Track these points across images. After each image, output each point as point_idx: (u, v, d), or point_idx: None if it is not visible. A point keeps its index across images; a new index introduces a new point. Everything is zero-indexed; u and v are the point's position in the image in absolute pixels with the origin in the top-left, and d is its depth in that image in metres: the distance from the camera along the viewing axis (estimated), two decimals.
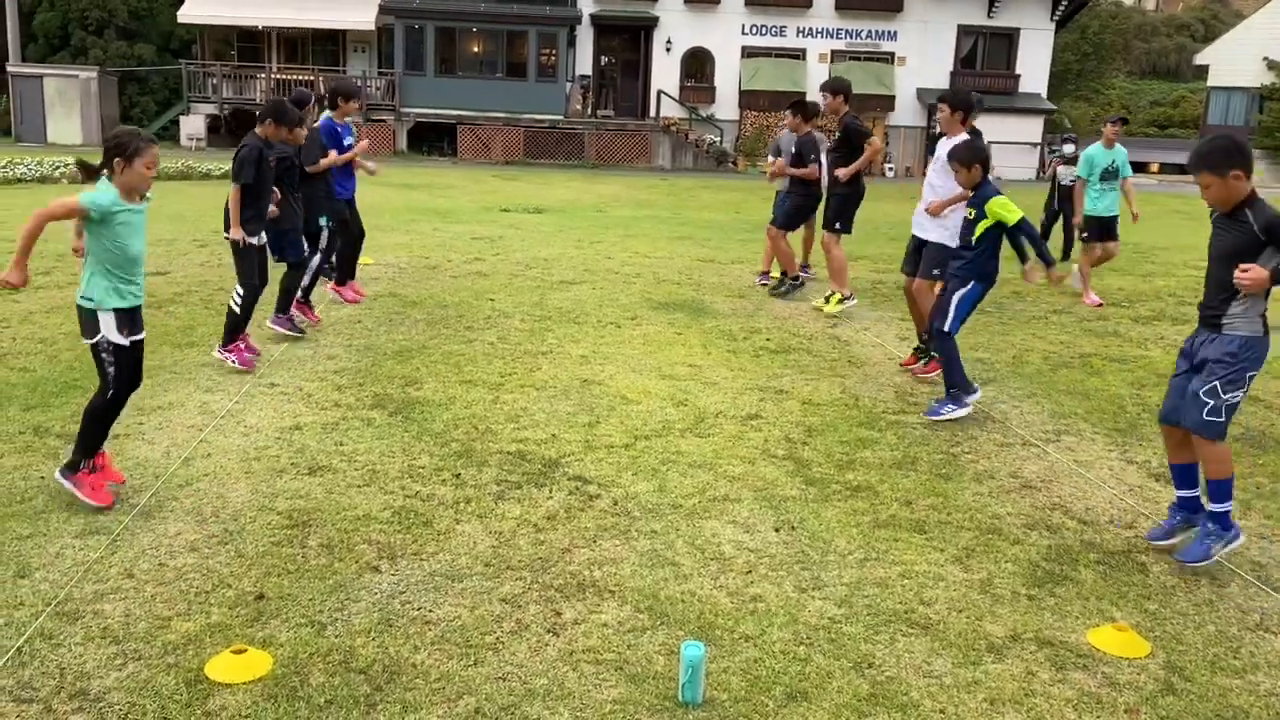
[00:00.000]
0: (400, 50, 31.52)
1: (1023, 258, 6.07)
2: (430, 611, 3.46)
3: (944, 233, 6.80)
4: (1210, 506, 4.09)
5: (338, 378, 6.31)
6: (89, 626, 3.26)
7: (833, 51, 34.71)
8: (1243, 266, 3.84)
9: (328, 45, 34.09)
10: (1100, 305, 10.06)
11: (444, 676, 3.07)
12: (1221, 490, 4.04)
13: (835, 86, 8.89)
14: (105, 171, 4.14)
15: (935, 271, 6.78)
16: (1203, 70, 43.12)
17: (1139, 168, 42.39)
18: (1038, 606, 3.69)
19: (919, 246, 7.14)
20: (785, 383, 6.64)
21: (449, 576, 3.72)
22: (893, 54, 34.92)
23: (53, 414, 5.34)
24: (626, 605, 3.56)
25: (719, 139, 33.24)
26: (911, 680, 3.16)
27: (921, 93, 34.35)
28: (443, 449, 5.08)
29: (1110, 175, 10.21)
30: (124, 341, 4.23)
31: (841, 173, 8.71)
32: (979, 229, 5.88)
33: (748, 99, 33.79)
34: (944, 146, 6.73)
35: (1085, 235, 10.45)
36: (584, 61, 34.36)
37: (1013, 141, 33.69)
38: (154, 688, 2.94)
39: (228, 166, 9.30)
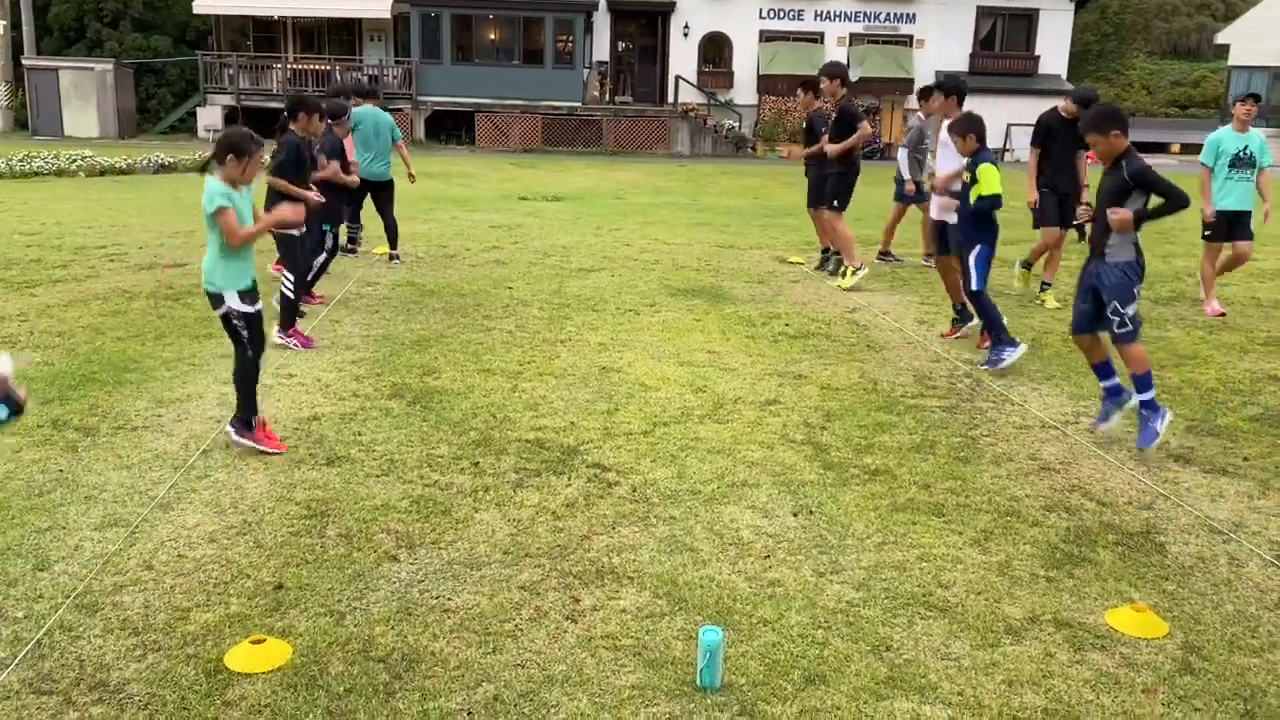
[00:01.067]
0: (417, 38, 31.52)
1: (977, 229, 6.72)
2: (449, 600, 3.48)
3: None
4: (1139, 397, 5.14)
5: (355, 368, 6.34)
6: (108, 618, 3.30)
7: (851, 35, 34.46)
8: (1112, 210, 5.00)
9: (344, 35, 34.13)
10: (1223, 315, 8.55)
11: (463, 664, 3.09)
12: (1144, 382, 5.14)
13: (832, 71, 9.45)
14: (214, 163, 4.67)
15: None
16: (1223, 50, 42.52)
17: (1159, 149, 42.00)
18: (1056, 588, 3.67)
19: (942, 228, 7.49)
20: (804, 368, 6.63)
21: (468, 565, 3.74)
22: (911, 36, 34.63)
23: (71, 407, 5.39)
24: (645, 591, 3.57)
25: (738, 124, 33.09)
26: (930, 663, 3.16)
27: (940, 74, 34.10)
28: (461, 438, 5.10)
29: (1242, 164, 8.60)
30: (251, 310, 4.84)
31: (829, 148, 9.34)
32: (974, 193, 6.50)
33: (766, 84, 33.60)
34: (944, 129, 7.31)
35: (1209, 234, 8.78)
36: (601, 48, 34.26)
37: (1031, 123, 33.31)
38: (173, 678, 2.97)
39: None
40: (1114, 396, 5.30)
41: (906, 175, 10.81)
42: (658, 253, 11.50)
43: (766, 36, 34.24)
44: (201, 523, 4.03)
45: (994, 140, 33.54)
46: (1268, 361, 7.10)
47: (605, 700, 2.93)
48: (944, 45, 34.44)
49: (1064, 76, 35.47)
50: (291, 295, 6.87)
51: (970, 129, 6.50)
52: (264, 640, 3.11)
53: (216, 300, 4.80)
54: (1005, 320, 6.74)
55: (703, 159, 30.49)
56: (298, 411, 5.46)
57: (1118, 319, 5.09)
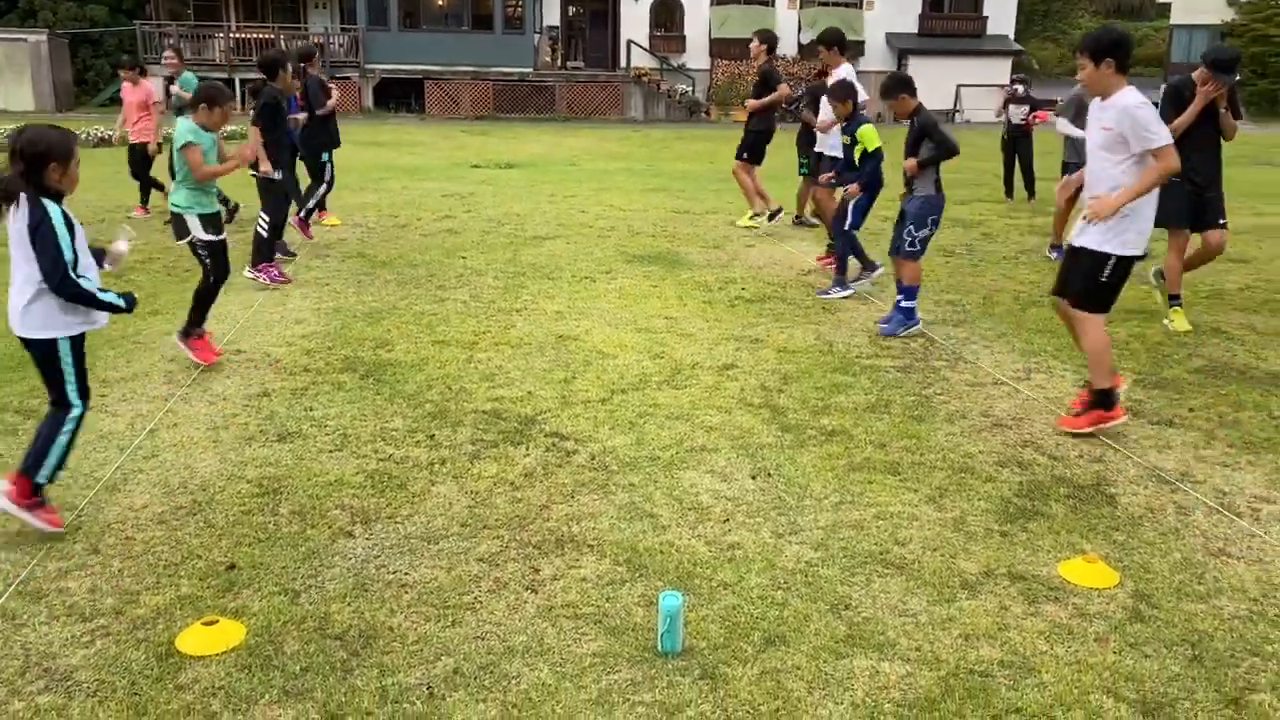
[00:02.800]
0: (363, 5, 30.92)
1: (858, 176, 7.52)
2: (406, 574, 3.44)
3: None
4: (903, 302, 6.65)
5: (306, 342, 6.25)
6: (53, 605, 3.23)
7: None
8: (906, 159, 6.49)
9: (287, 2, 33.39)
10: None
11: (421, 639, 3.07)
12: (911, 293, 6.64)
13: (762, 37, 10.31)
14: (189, 110, 5.77)
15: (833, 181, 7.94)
16: (1165, 8, 42.94)
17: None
18: (1010, 542, 3.72)
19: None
20: (760, 331, 6.63)
21: (425, 538, 3.70)
22: None
23: (10, 389, 5.25)
24: (605, 559, 3.56)
25: (691, 88, 32.94)
26: (888, 620, 3.19)
27: (890, 37, 34.10)
28: (416, 410, 5.05)
29: None
30: (214, 239, 5.70)
31: (750, 104, 10.39)
32: (857, 152, 7.49)
33: (718, 47, 33.44)
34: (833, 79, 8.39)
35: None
36: (552, 12, 33.87)
37: (980, 84, 33.54)
38: (123, 663, 2.92)
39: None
40: (909, 315, 6.68)
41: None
42: (613, 219, 11.43)
43: (717, 0, 34.03)
44: (150, 504, 3.96)
45: (944, 101, 33.76)
46: (1210, 314, 7.22)
47: (566, 669, 2.92)
48: (893, 7, 34.46)
49: (1012, 37, 35.66)
50: (265, 235, 7.79)
51: (847, 95, 7.44)
52: (216, 621, 3.06)
53: (180, 226, 5.71)
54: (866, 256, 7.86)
55: (656, 124, 30.32)
56: (247, 388, 5.37)
57: (909, 239, 6.54)
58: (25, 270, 3.54)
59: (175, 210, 5.70)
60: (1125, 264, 4.66)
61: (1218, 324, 6.94)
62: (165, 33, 31.00)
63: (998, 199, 13.54)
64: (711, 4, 33.99)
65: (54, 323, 3.61)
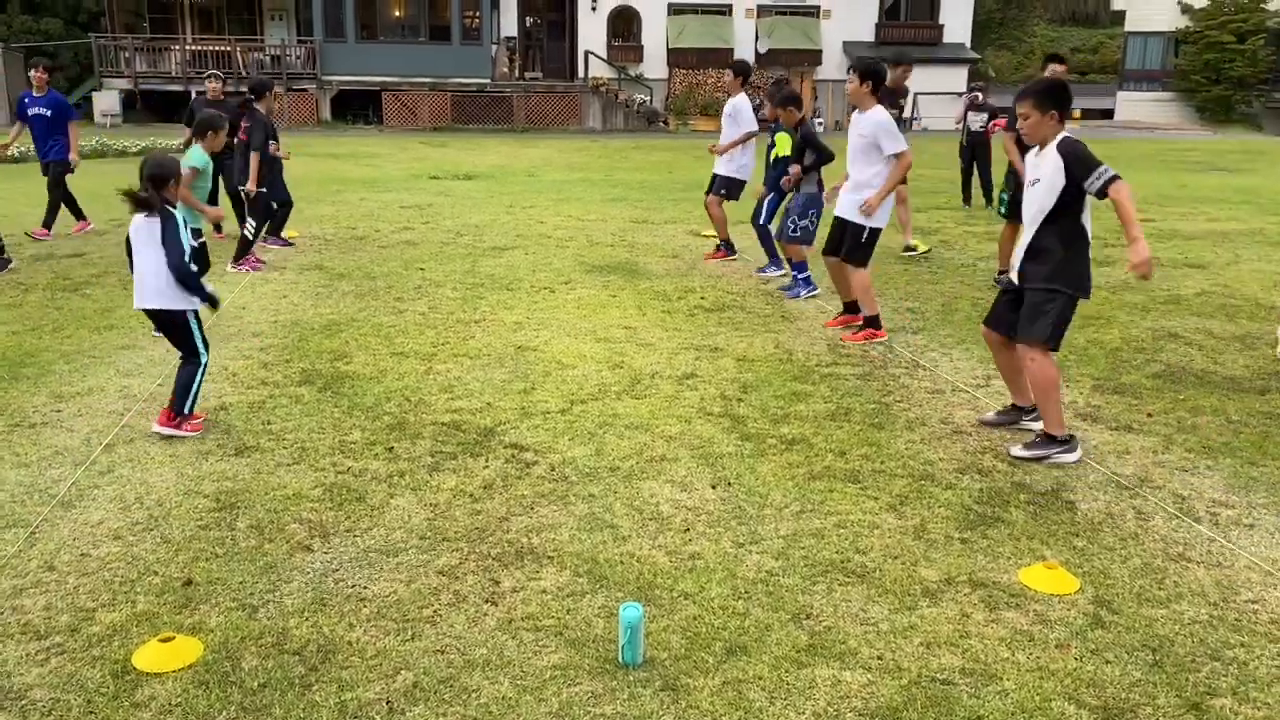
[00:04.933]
0: (319, 16, 30.71)
1: (775, 174, 8.54)
2: (365, 588, 3.40)
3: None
4: (798, 275, 8.13)
5: (264, 355, 6.17)
6: (7, 623, 3.15)
7: (759, 6, 34.60)
8: (792, 164, 7.92)
9: (244, 14, 33.10)
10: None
11: (380, 653, 3.03)
12: (801, 267, 8.13)
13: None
14: (196, 139, 7.10)
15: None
16: (1120, 16, 43.74)
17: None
18: (970, 549, 3.74)
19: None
20: (720, 340, 6.64)
21: (384, 552, 3.66)
22: (818, 8, 34.92)
23: None
24: (565, 570, 3.54)
25: (649, 98, 33.03)
26: (849, 629, 3.19)
27: (848, 46, 34.42)
28: (374, 423, 5.00)
29: None
30: (194, 243, 5.62)
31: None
32: (774, 154, 8.63)
33: (676, 57, 33.59)
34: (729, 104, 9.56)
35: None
36: (509, 23, 33.85)
37: (937, 92, 33.95)
38: (79, 681, 2.85)
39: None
40: (806, 282, 8.16)
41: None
42: (572, 229, 11.42)
43: (675, 10, 34.19)
44: (105, 520, 3.88)
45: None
46: (1168, 320, 7.34)
47: (527, 682, 2.90)
48: (850, 16, 34.81)
49: (968, 45, 36.15)
50: (250, 237, 8.89)
51: (790, 103, 8.34)
52: (173, 638, 3.00)
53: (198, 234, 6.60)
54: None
55: (615, 134, 30.37)
56: (204, 401, 5.27)
57: (792, 227, 7.92)
58: (156, 261, 4.66)
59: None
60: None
61: (1175, 329, 7.05)
62: (120, 46, 30.58)
63: (955, 206, 13.70)
64: (669, 14, 34.14)
65: (180, 299, 4.78)
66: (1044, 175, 4.57)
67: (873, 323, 6.76)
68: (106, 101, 29.63)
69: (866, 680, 2.92)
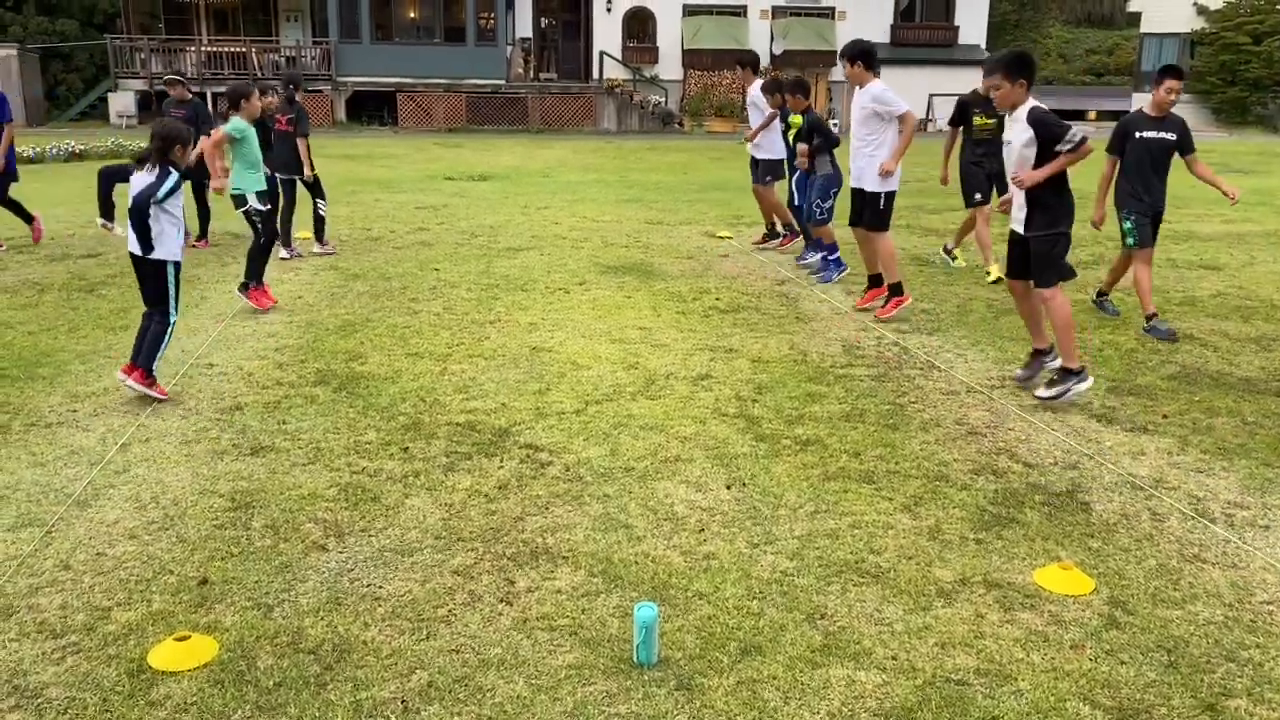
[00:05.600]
0: (335, 17, 30.85)
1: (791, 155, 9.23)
2: (380, 587, 3.42)
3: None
4: (828, 257, 8.71)
5: (279, 355, 6.20)
6: (24, 622, 3.17)
7: (774, 8, 34.57)
8: (800, 148, 8.56)
9: (259, 15, 33.28)
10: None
11: (395, 652, 3.04)
12: (831, 249, 8.71)
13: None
14: (231, 110, 7.24)
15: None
16: (1135, 17, 43.51)
17: (1077, 115, 42.83)
18: (985, 550, 3.73)
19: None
20: (735, 341, 6.64)
21: (399, 551, 3.68)
22: (833, 9, 34.86)
23: None
24: (580, 570, 3.55)
25: (664, 99, 33.04)
26: (863, 629, 3.19)
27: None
28: (389, 423, 5.01)
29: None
30: (265, 208, 7.23)
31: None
32: (790, 135, 9.17)
33: (691, 58, 33.58)
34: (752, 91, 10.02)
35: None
36: (524, 24, 33.91)
37: (952, 93, 33.79)
38: (94, 680, 2.87)
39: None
40: (836, 264, 8.70)
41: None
42: (586, 230, 11.43)
43: (690, 11, 34.18)
44: (121, 519, 3.91)
45: (916, 111, 34.01)
46: (1183, 321, 7.29)
47: (542, 681, 2.90)
48: (865, 17, 34.71)
49: (983, 46, 36.02)
50: (324, 214, 9.89)
51: (799, 89, 8.86)
52: (189, 637, 3.02)
53: (240, 201, 7.19)
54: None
55: (630, 135, 30.38)
56: (220, 401, 5.32)
57: (817, 209, 8.46)
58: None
59: (236, 191, 7.17)
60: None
61: (1191, 330, 7.01)
62: (136, 47, 30.77)
63: None
64: (684, 15, 34.14)
65: (161, 250, 5.23)
66: (1015, 139, 5.28)
67: (896, 290, 7.28)
68: (122, 102, 29.82)
69: (881, 680, 2.91)
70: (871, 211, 7.31)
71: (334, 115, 31.02)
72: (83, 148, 20.02)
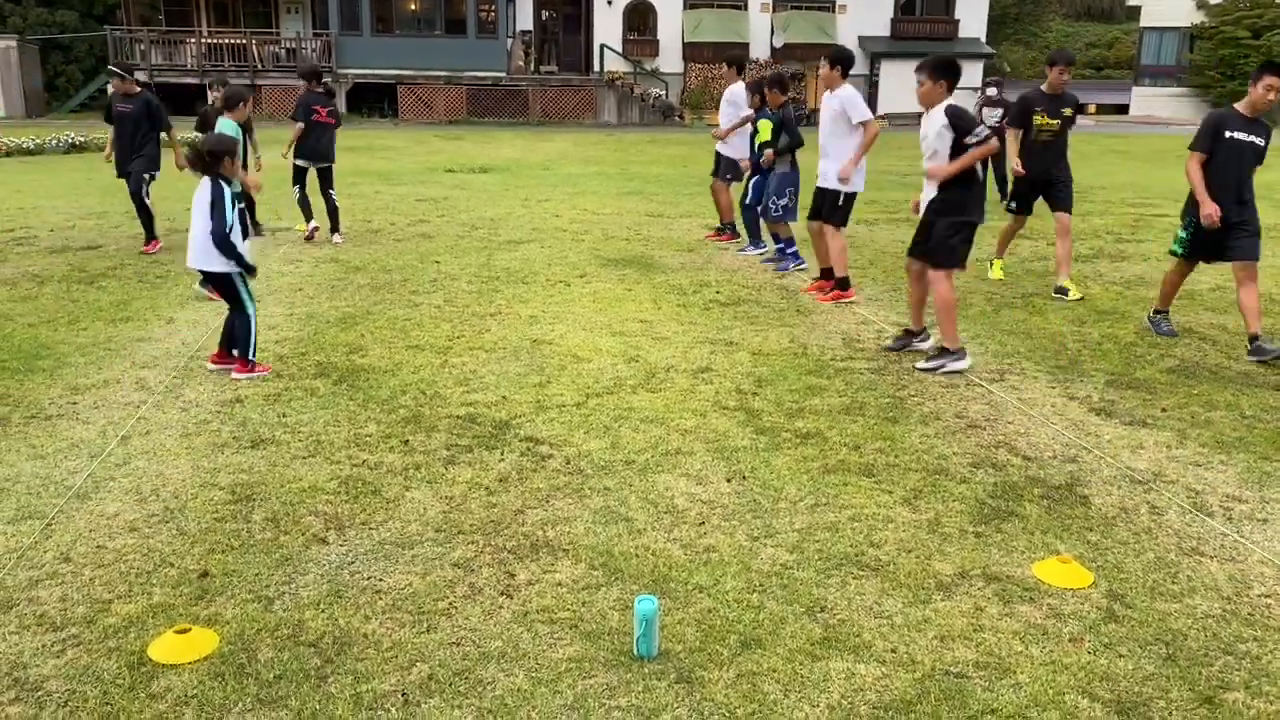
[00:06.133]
0: (335, 10, 30.79)
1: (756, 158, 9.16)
2: (380, 580, 3.42)
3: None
4: (785, 250, 8.96)
5: (279, 348, 6.20)
6: (24, 614, 3.18)
7: (774, 1, 34.49)
8: (765, 151, 8.64)
9: (259, 7, 33.23)
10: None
11: (396, 645, 3.04)
12: (790, 243, 8.90)
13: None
14: (226, 111, 8.09)
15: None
16: (1135, 11, 43.44)
17: (1076, 109, 42.66)
18: (984, 543, 3.74)
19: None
20: (735, 334, 6.64)
21: (399, 544, 3.68)
22: (834, 2, 34.81)
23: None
24: (580, 563, 3.55)
25: (664, 92, 32.99)
26: (863, 622, 3.19)
27: (864, 40, 34.31)
28: (390, 416, 5.02)
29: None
30: (240, 205, 6.66)
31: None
32: (757, 140, 9.09)
33: (691, 51, 33.55)
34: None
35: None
36: (524, 16, 33.86)
37: None
38: (95, 673, 2.88)
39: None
40: (787, 251, 8.97)
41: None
42: (587, 223, 11.43)
43: (690, 4, 34.14)
44: (121, 512, 3.91)
45: (916, 105, 33.94)
46: (1182, 314, 7.29)
47: (542, 674, 2.91)
48: (866, 11, 34.68)
49: (984, 40, 35.97)
50: (337, 203, 10.16)
51: (776, 85, 8.90)
52: (189, 629, 3.03)
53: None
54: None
55: (630, 128, 30.35)
56: (220, 394, 5.32)
57: (774, 206, 8.59)
58: (203, 226, 5.39)
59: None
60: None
61: (1190, 324, 7.01)
62: (136, 38, 30.72)
63: None
64: (685, 8, 34.07)
65: (221, 263, 5.49)
66: (930, 131, 5.83)
67: (842, 284, 7.69)
68: None
69: (880, 673, 2.92)
70: (831, 207, 7.49)
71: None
72: (82, 139, 20.00)
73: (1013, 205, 8.23)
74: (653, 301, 7.56)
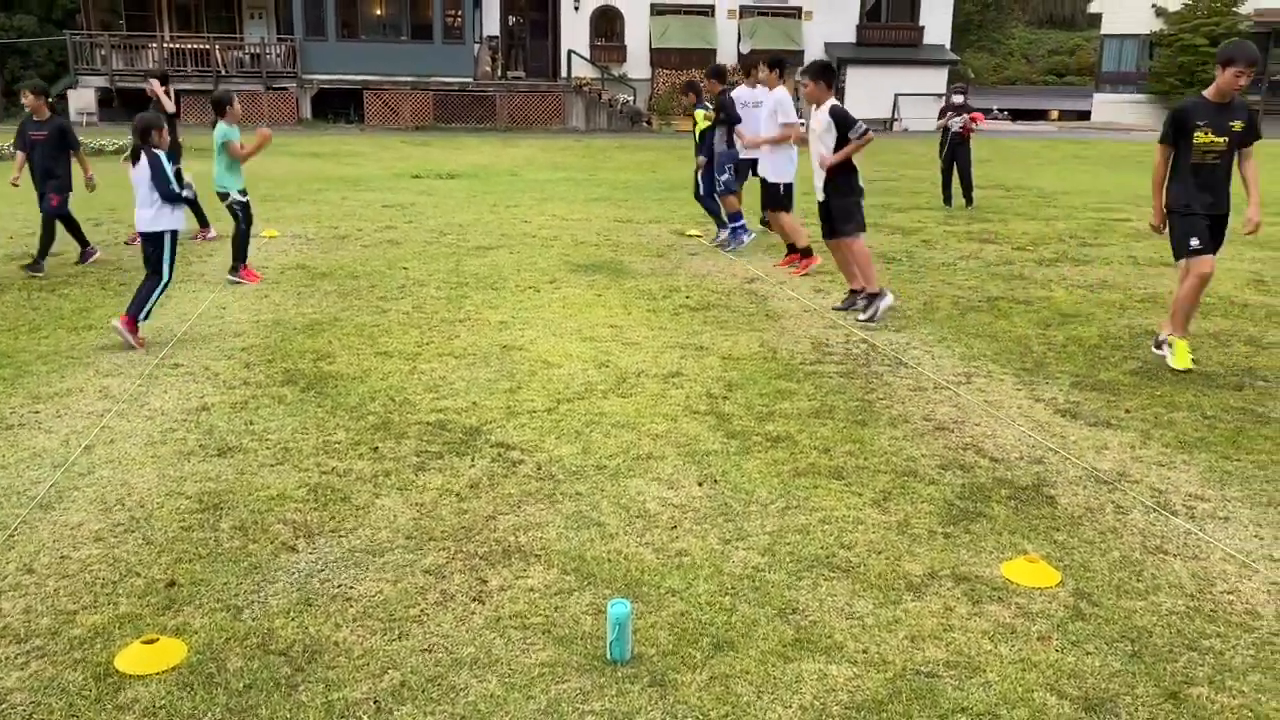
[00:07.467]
0: (299, 14, 30.57)
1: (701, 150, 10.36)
2: (351, 588, 3.40)
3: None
4: (731, 225, 9.92)
5: (246, 355, 6.15)
6: None
7: (741, 7, 34.65)
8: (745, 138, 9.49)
9: (222, 12, 32.91)
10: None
11: (367, 652, 3.02)
12: (735, 217, 9.86)
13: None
14: (220, 117, 8.29)
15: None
16: (1096, 19, 44.06)
17: (1039, 115, 43.26)
18: (953, 544, 3.77)
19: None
20: (705, 339, 6.66)
21: (369, 551, 3.66)
22: (800, 9, 35.03)
23: None
24: (553, 568, 3.55)
25: (632, 98, 33.04)
26: (835, 623, 3.21)
27: (830, 47, 34.53)
28: (359, 423, 4.98)
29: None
30: (245, 199, 8.30)
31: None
32: (697, 130, 10.35)
33: (659, 57, 33.63)
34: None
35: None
36: (491, 22, 33.78)
37: (918, 93, 34.13)
38: (60, 685, 2.84)
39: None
40: (741, 231, 9.92)
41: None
42: (556, 229, 11.42)
43: (657, 10, 34.21)
44: (86, 521, 3.86)
45: (882, 110, 34.29)
46: (1145, 317, 7.40)
47: (515, 680, 2.90)
48: (832, 17, 34.92)
49: (948, 46, 36.32)
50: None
51: (715, 76, 10.10)
52: (157, 639, 2.99)
53: (224, 196, 8.29)
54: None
55: (598, 134, 30.36)
56: (185, 402, 5.26)
57: (718, 182, 9.79)
58: (146, 195, 6.29)
59: (221, 189, 8.29)
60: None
61: (1152, 327, 7.11)
62: (96, 43, 30.34)
63: (937, 206, 13.78)
64: (652, 14, 34.15)
65: (162, 222, 6.38)
66: (817, 126, 7.06)
67: (805, 253, 8.94)
68: (83, 99, 29.37)
69: (852, 674, 2.94)
70: (767, 196, 8.88)
71: (299, 113, 30.75)
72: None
73: (1194, 243, 5.87)
74: (623, 307, 7.56)
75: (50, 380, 5.60)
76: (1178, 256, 6.04)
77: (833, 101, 7.07)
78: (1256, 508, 4.11)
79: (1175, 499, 4.19)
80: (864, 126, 6.93)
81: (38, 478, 4.27)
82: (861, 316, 7.10)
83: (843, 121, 6.96)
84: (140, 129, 6.26)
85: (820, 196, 7.26)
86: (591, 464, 4.50)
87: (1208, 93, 5.88)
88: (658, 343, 6.54)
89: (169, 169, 6.27)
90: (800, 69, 7.27)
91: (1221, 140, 5.80)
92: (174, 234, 6.43)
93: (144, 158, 6.24)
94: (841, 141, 6.98)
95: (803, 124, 8.26)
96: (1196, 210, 5.89)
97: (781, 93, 8.60)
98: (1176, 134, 5.90)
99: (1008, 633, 3.17)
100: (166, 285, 6.47)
